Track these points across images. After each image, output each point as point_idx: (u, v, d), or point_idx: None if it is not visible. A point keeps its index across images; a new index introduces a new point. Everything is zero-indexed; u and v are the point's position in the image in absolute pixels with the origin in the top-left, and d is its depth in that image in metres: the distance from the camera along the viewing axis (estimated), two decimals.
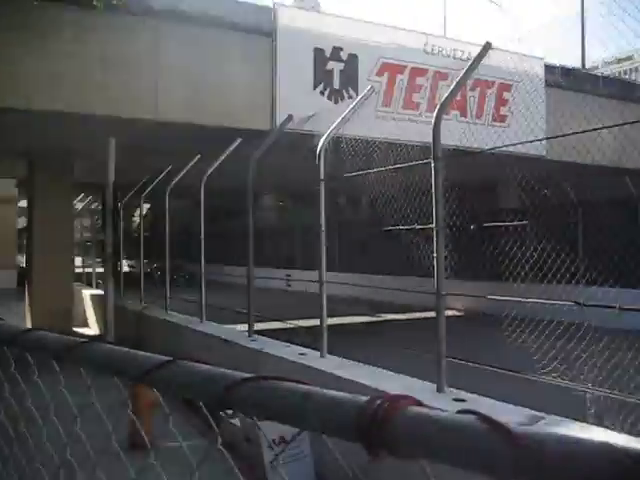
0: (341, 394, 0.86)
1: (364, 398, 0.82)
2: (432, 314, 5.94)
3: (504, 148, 9.20)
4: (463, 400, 5.38)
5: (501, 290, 7.66)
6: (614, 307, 4.47)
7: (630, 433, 4.47)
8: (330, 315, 7.61)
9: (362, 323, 15.58)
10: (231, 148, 10.19)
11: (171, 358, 1.05)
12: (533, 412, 4.93)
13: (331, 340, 7.42)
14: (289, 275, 23.71)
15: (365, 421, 0.78)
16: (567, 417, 4.86)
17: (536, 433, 0.70)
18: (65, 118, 11.65)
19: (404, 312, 15.56)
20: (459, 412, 0.77)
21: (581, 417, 4.87)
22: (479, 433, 0.73)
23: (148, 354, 1.12)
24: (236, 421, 6.66)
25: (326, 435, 0.88)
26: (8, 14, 10.51)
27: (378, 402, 0.79)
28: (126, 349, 1.17)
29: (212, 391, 0.94)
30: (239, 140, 10.17)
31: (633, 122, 5.28)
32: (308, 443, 6.17)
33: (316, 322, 7.64)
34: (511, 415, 4.93)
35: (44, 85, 10.96)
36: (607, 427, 4.64)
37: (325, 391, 0.87)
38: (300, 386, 0.87)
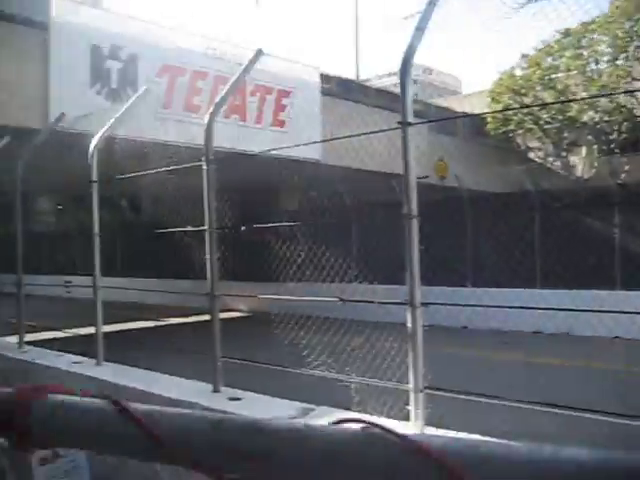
0: None
1: (5, 390, 0.82)
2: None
3: (282, 152, 9.52)
4: (238, 399, 5.50)
5: (277, 290, 7.92)
6: (372, 302, 4.81)
7: (388, 415, 4.84)
8: (110, 322, 7.41)
9: (142, 328, 15.24)
10: None
11: None
12: (304, 404, 5.17)
13: (110, 347, 7.21)
14: (69, 281, 22.52)
15: (6, 414, 0.77)
16: (335, 407, 5.16)
17: (160, 413, 0.75)
18: None
19: (185, 315, 15.46)
20: (90, 395, 0.79)
21: (348, 405, 5.18)
22: (112, 418, 0.76)
23: None
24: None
25: None
26: None
27: (13, 392, 0.79)
28: None
29: None
30: (6, 139, 9.52)
31: (384, 130, 5.71)
32: (84, 456, 5.95)
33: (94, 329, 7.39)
34: (283, 408, 5.14)
35: None
36: (370, 413, 4.99)
37: None
38: None
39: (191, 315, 15.33)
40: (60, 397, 0.80)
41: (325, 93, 16.58)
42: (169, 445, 0.69)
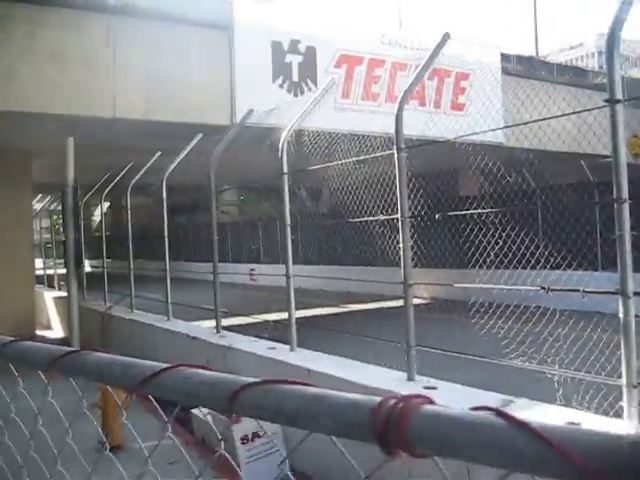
0: (353, 395, 0.86)
1: (377, 399, 0.82)
2: (396, 303, 6.01)
3: (465, 137, 9.30)
4: (434, 387, 5.45)
5: (466, 277, 7.76)
6: (578, 290, 4.56)
7: (597, 411, 4.58)
8: (297, 308, 7.64)
9: (329, 314, 15.63)
10: (192, 144, 10.11)
11: (168, 365, 1.04)
12: (503, 396, 5.02)
13: (300, 333, 7.45)
14: (253, 269, 23.66)
15: (381, 422, 0.78)
16: (536, 399, 4.97)
17: (554, 427, 0.71)
18: (18, 117, 11.40)
19: (370, 302, 15.63)
20: (473, 409, 0.78)
21: (550, 399, 4.97)
22: (498, 429, 0.73)
23: (147, 362, 1.11)
24: (207, 417, 6.64)
25: (339, 437, 0.87)
26: None
27: (392, 402, 0.79)
28: (122, 357, 1.16)
29: (217, 397, 0.94)
30: (199, 136, 10.10)
31: (591, 109, 5.38)
32: (281, 438, 6.19)
33: (284, 315, 7.65)
34: (482, 399, 5.02)
35: None
36: (575, 408, 4.75)
37: (337, 393, 0.86)
38: (311, 389, 0.87)
39: (373, 301, 15.51)
40: (435, 408, 0.79)
41: (504, 72, 16.02)
42: (581, 464, 0.65)
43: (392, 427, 0.76)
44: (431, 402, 0.79)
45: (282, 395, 0.88)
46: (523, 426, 0.70)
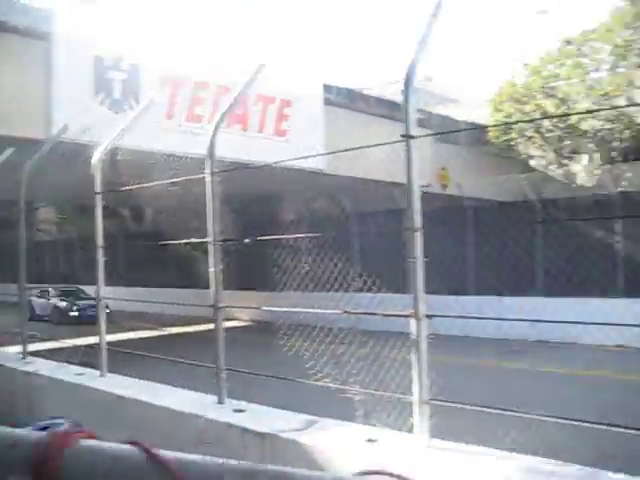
0: (11, 430, 0.83)
1: (39, 434, 0.81)
2: (209, 326, 6.01)
3: (284, 162, 9.54)
4: (243, 410, 5.49)
5: (281, 299, 7.93)
6: (375, 314, 4.81)
7: (392, 427, 4.83)
8: (112, 332, 7.40)
9: (146, 338, 15.22)
10: (2, 159, 9.52)
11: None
12: (308, 416, 5.16)
13: (113, 358, 7.21)
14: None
15: (41, 460, 0.77)
16: (338, 419, 5.15)
17: (190, 462, 0.75)
18: None
19: (188, 325, 15.43)
20: (127, 442, 0.80)
21: (352, 417, 5.17)
22: (141, 464, 0.76)
23: None
24: None
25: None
26: None
27: (46, 438, 0.79)
28: None
29: None
30: (10, 150, 9.54)
31: (395, 142, 5.72)
32: None
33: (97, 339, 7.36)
34: (287, 420, 5.13)
35: None
36: (374, 425, 4.98)
37: None
38: None
39: (195, 324, 15.31)
40: (91, 443, 0.80)
41: (327, 102, 16.62)
42: None
43: (48, 464, 0.75)
44: (91, 436, 0.81)
45: None
46: (159, 461, 0.74)
